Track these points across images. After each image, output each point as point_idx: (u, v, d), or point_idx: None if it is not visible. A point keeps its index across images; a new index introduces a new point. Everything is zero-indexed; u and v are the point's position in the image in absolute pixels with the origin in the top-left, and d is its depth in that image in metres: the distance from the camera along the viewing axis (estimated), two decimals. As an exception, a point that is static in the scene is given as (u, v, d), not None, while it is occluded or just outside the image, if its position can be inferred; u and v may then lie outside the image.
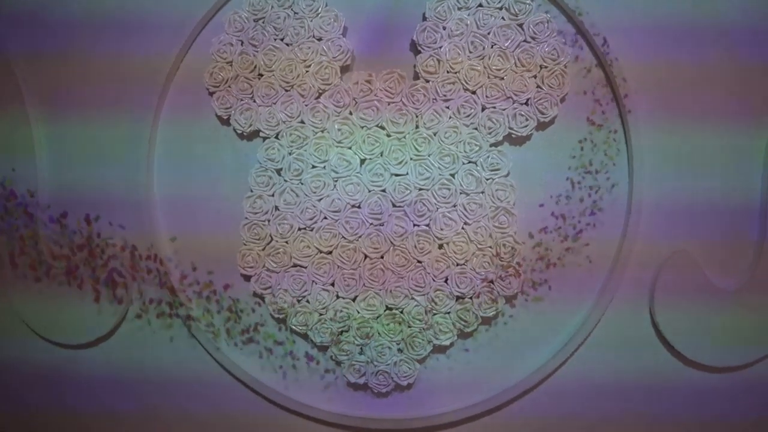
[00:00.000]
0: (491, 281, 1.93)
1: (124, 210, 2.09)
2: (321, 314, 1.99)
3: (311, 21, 1.97)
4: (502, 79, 1.91)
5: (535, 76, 1.91)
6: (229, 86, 2.01)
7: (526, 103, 1.92)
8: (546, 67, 1.90)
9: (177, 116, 2.08)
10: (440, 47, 1.92)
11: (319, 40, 1.97)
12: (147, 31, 2.06)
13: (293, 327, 2.00)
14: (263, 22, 2.00)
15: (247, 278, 2.03)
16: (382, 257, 1.95)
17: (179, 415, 2.14)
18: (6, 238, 2.15)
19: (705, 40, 1.93)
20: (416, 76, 1.96)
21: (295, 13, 1.98)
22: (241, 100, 2.00)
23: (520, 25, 1.91)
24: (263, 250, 2.00)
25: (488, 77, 1.91)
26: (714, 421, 2.01)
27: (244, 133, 2.01)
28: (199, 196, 2.08)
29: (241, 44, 2.01)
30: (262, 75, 2.00)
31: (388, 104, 1.95)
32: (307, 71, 1.97)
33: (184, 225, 2.09)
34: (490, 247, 1.92)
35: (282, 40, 1.99)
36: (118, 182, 2.09)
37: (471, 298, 1.93)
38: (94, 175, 2.12)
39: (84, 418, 2.20)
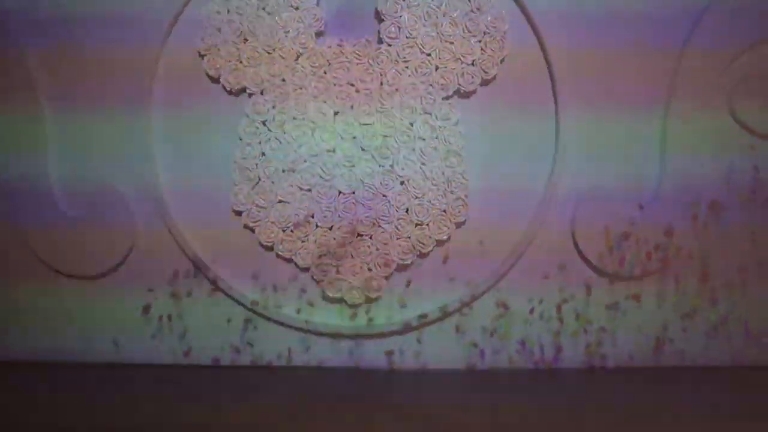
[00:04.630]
0: (444, 210, 2.33)
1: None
2: (303, 242, 2.36)
3: (290, -8, 2.30)
4: (452, 43, 2.28)
5: (479, 41, 2.29)
6: (219, 50, 2.33)
7: (472, 64, 2.30)
8: (488, 33, 2.29)
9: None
10: (400, 16, 2.28)
11: (297, 9, 2.30)
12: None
13: (280, 253, 2.37)
14: (247, -7, 2.32)
15: (239, 213, 2.38)
16: (353, 193, 2.33)
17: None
18: None
19: (618, 27, 2.31)
20: (380, 41, 2.32)
21: (275, -15, 2.31)
22: (229, 61, 2.33)
23: (467, -2, 2.28)
24: (252, 189, 2.35)
25: (441, 42, 2.29)
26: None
27: (233, 90, 2.34)
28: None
29: (228, 12, 2.32)
30: (247, 40, 2.32)
31: (357, 65, 2.31)
32: (286, 36, 2.31)
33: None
34: (443, 182, 2.32)
35: (264, 9, 2.31)
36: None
37: (427, 224, 2.33)
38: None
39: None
